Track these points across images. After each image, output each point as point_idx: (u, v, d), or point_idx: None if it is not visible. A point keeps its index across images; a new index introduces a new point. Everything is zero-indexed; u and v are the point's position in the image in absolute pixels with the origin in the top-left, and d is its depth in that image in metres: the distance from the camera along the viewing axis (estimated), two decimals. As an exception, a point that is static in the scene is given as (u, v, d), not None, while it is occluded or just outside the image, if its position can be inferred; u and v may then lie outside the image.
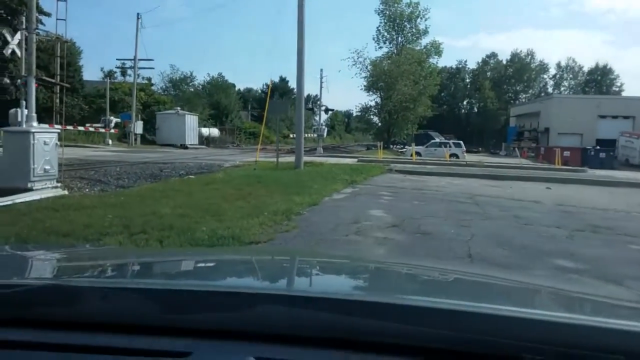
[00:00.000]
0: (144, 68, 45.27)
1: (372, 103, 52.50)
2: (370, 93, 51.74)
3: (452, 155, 33.62)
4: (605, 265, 5.91)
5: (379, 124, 53.35)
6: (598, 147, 39.04)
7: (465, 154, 35.82)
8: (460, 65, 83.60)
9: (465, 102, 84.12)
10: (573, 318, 0.95)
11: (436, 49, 57.26)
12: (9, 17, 40.63)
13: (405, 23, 55.66)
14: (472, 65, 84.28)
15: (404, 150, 40.67)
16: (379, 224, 7.97)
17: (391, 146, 49.68)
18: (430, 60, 56.26)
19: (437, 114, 60.54)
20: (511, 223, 8.73)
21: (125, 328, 0.88)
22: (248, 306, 0.90)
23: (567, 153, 35.13)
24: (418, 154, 33.30)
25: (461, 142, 38.46)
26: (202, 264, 1.70)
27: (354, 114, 68.45)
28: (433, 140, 39.65)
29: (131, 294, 0.93)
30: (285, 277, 1.58)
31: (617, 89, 75.64)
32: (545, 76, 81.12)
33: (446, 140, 39.56)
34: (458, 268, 2.55)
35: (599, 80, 76.95)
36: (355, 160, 25.24)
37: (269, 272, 1.61)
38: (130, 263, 1.64)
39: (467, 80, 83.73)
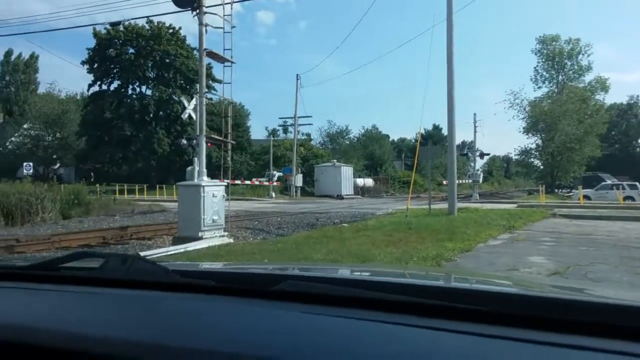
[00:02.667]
0: (304, 124, 48.01)
1: (533, 145, 49.73)
2: (530, 135, 49.06)
3: (626, 198, 30.34)
4: None
5: (541, 167, 50.23)
6: None
7: (643, 197, 32.19)
8: (632, 101, 75.91)
9: (640, 140, 76.01)
10: None
11: (602, 85, 53.10)
12: (187, 86, 46.41)
13: (566, 61, 52.61)
14: (646, 99, 76.10)
15: (571, 194, 37.74)
16: (539, 271, 7.48)
17: (556, 190, 46.29)
18: (596, 97, 52.23)
19: (607, 154, 55.40)
20: (700, 270, 7.63)
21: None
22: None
23: None
24: (587, 197, 30.60)
25: (637, 183, 34.67)
26: None
27: (513, 158, 65.18)
28: (604, 183, 36.24)
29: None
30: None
31: None
32: None
33: (619, 182, 35.90)
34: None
35: None
36: (515, 205, 23.89)
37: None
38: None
39: (642, 116, 75.84)
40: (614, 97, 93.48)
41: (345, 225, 15.08)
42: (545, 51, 52.83)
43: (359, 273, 1.90)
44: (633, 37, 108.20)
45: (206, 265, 2.02)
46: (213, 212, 10.96)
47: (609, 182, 37.19)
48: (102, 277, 1.34)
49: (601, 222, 15.98)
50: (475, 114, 46.07)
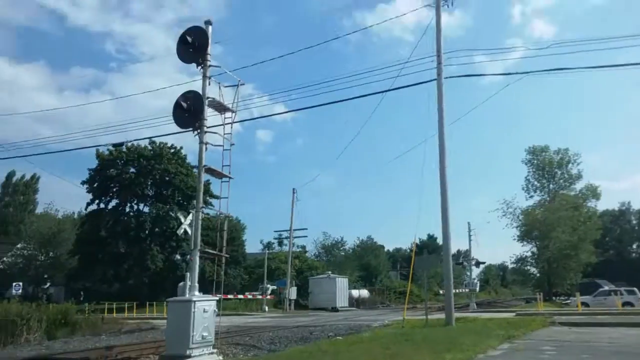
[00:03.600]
0: (299, 237, 47.88)
1: (528, 253, 49.76)
2: (525, 243, 49.34)
3: (625, 304, 29.97)
4: None
5: (537, 275, 49.87)
6: None
7: (641, 302, 31.80)
8: (624, 207, 77.30)
9: (635, 246, 76.23)
10: None
11: (593, 192, 54.18)
12: (185, 203, 46.88)
13: (556, 170, 54.02)
14: (637, 206, 77.46)
15: (569, 301, 37.26)
16: (539, 381, 7.23)
17: (553, 298, 45.67)
18: (588, 204, 53.05)
19: (603, 260, 55.20)
20: None
21: None
22: None
23: None
24: (585, 304, 30.19)
25: (635, 289, 34.43)
26: None
27: (509, 266, 64.77)
28: (601, 289, 36.02)
29: None
30: None
31: None
32: None
33: (617, 288, 35.65)
34: None
35: None
36: (513, 314, 23.43)
37: None
38: None
39: (634, 222, 76.72)
40: (606, 204, 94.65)
41: (340, 338, 14.65)
42: (535, 161, 54.37)
43: None
44: (619, 146, 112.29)
45: None
46: (203, 328, 10.62)
47: (606, 288, 36.98)
48: None
49: (601, 329, 15.63)
50: (469, 223, 46.52)
